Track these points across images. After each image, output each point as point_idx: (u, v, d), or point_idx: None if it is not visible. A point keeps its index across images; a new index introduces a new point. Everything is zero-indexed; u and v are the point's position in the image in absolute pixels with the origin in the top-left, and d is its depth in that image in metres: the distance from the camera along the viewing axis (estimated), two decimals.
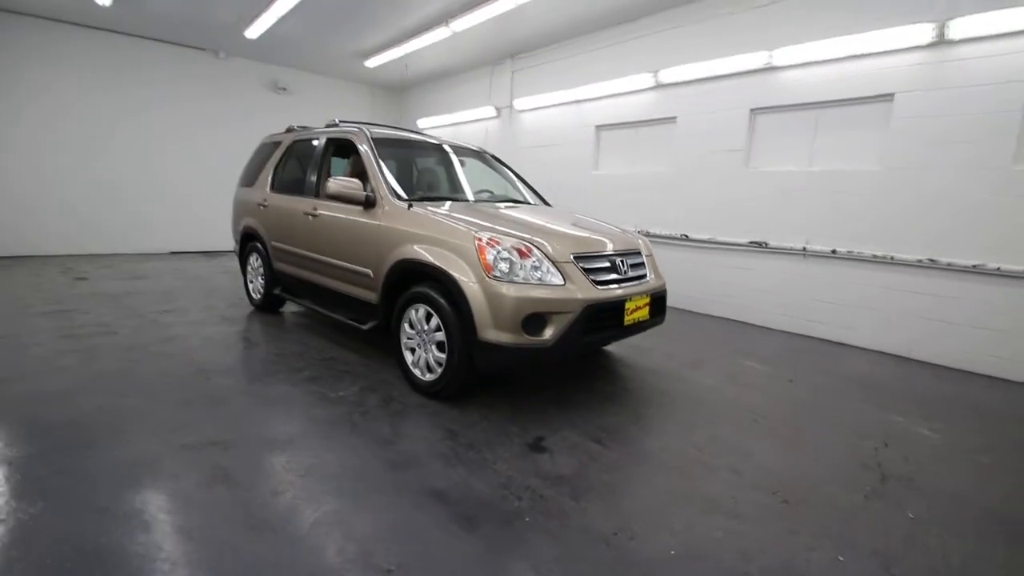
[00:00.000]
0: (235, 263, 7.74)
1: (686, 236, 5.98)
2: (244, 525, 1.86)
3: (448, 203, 3.50)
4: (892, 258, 4.53)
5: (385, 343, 4.12)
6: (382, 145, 3.79)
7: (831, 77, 4.81)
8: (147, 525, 1.83)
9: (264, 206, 4.67)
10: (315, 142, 4.29)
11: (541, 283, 2.74)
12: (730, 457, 2.60)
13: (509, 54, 8.07)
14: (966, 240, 4.15)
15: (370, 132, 3.87)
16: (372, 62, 8.48)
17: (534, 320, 2.69)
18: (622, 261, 3.18)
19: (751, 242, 5.45)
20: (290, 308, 5.19)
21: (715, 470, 2.47)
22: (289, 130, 4.90)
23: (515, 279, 2.72)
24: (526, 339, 2.70)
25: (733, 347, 4.64)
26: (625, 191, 6.65)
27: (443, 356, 2.95)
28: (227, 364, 3.55)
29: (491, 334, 2.70)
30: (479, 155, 4.68)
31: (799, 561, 1.85)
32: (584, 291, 2.80)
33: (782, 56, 5.02)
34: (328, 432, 2.62)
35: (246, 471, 2.22)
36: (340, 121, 4.27)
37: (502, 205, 3.85)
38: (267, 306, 4.94)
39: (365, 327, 3.54)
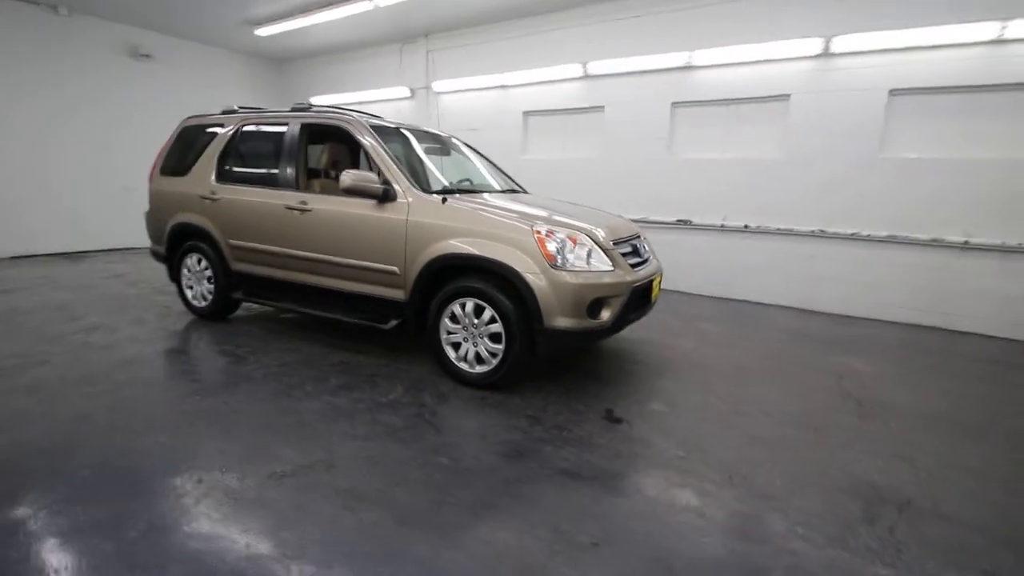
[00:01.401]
0: (117, 266, 6.64)
1: (619, 216, 6.55)
2: (437, 535, 1.84)
3: (453, 195, 3.48)
4: (792, 230, 5.59)
5: (389, 340, 3.99)
6: (381, 134, 3.60)
7: (740, 78, 5.65)
8: (334, 560, 1.72)
9: (212, 200, 4.09)
10: (284, 128, 3.87)
11: (598, 270, 2.96)
12: (754, 404, 3.14)
13: (423, 32, 7.84)
14: (846, 213, 5.30)
15: (367, 120, 3.64)
16: (265, 31, 7.58)
17: (595, 304, 2.92)
18: (639, 244, 3.52)
19: (678, 220, 6.22)
20: (240, 314, 4.64)
21: (752, 416, 2.98)
22: (228, 112, 4.31)
23: (574, 268, 2.90)
24: (589, 323, 2.92)
25: (682, 313, 5.34)
26: (555, 175, 7.02)
27: (498, 347, 3.03)
28: (228, 383, 3.16)
29: (559, 321, 2.87)
30: (446, 141, 4.62)
31: (862, 469, 2.41)
32: (629, 274, 3.09)
33: (700, 57, 5.74)
34: (415, 436, 2.58)
35: (377, 489, 2.13)
36: (313, 105, 3.92)
37: (503, 194, 3.93)
38: (216, 313, 4.36)
39: (387, 326, 3.41)
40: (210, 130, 4.34)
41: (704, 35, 5.70)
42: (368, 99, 8.68)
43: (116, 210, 7.84)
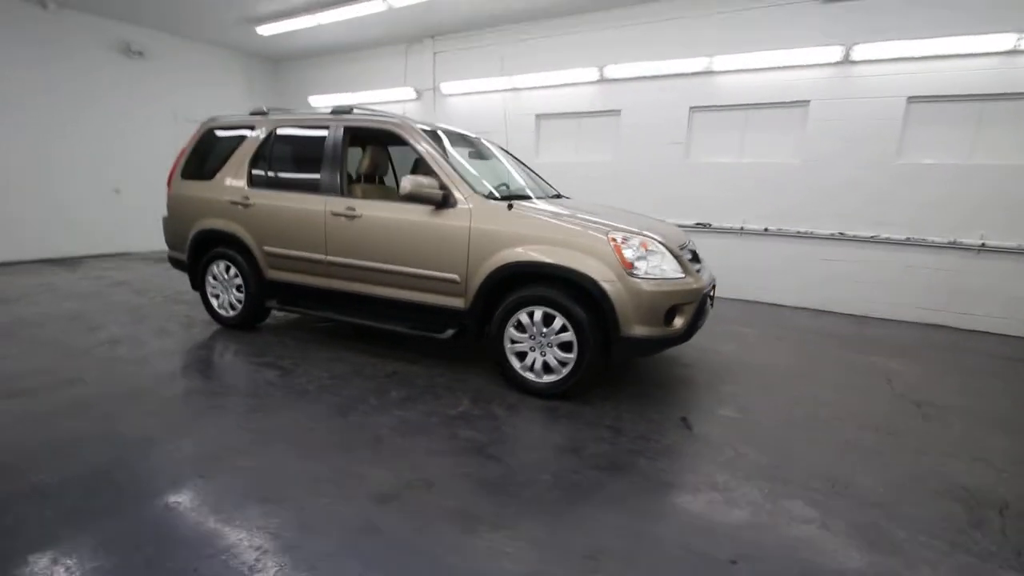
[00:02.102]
0: (116, 273, 6.34)
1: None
2: (577, 560, 1.78)
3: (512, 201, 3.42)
4: (812, 233, 5.70)
5: (436, 350, 3.88)
6: (433, 138, 3.49)
7: (760, 83, 5.74)
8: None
9: (245, 205, 3.91)
10: (325, 132, 3.72)
11: (672, 276, 2.93)
12: (819, 407, 3.16)
13: (430, 33, 7.72)
14: (864, 217, 5.44)
15: (417, 124, 3.54)
16: (267, 29, 7.33)
17: (671, 312, 2.89)
18: (695, 250, 3.52)
19: (697, 223, 6.27)
20: (267, 323, 4.45)
21: (824, 420, 2.99)
22: (258, 113, 4.13)
23: (649, 275, 2.87)
24: (665, 330, 2.89)
25: (711, 316, 5.37)
26: (570, 179, 6.93)
27: (569, 356, 2.97)
28: (285, 398, 3.00)
29: (636, 329, 2.83)
30: (481, 144, 4.53)
31: (948, 472, 2.44)
32: (697, 280, 3.08)
33: (720, 62, 5.80)
34: (504, 451, 2.50)
35: (491, 510, 2.05)
36: (355, 108, 3.78)
37: (550, 200, 3.87)
38: (245, 323, 4.17)
39: (443, 336, 3.32)
40: (237, 133, 4.15)
41: (725, 41, 5.77)
42: (371, 100, 8.49)
43: (108, 214, 7.48)
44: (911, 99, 5.11)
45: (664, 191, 6.41)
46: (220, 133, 4.27)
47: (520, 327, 3.08)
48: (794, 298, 5.91)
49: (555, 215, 3.11)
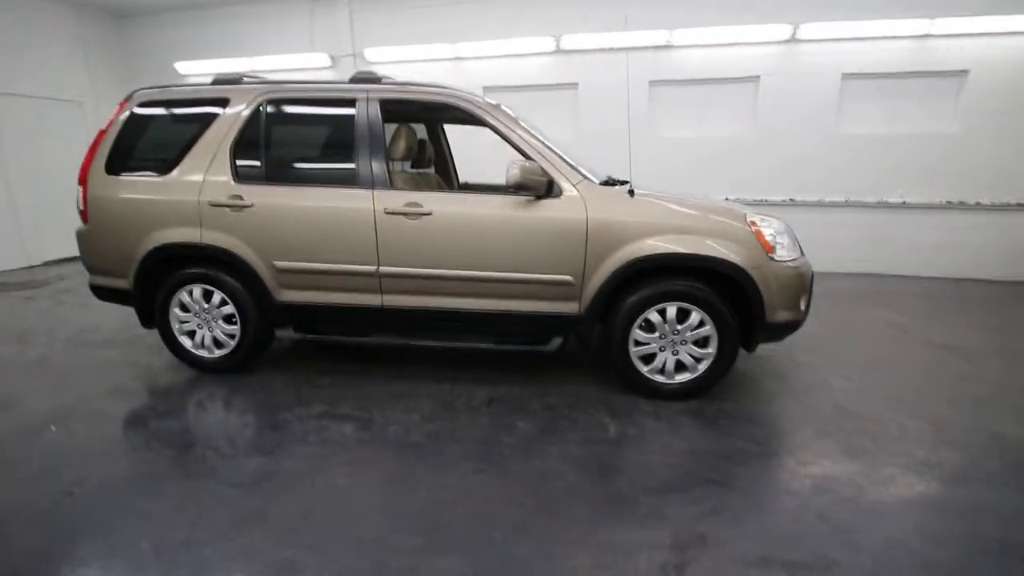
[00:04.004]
0: None
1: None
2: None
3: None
4: (766, 200, 6.17)
5: (507, 362, 3.33)
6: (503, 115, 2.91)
7: (716, 58, 5.95)
8: None
9: (238, 207, 2.89)
10: (351, 108, 2.87)
11: (799, 258, 2.85)
12: (893, 366, 3.39)
13: None
14: (811, 183, 6.03)
15: (483, 100, 2.91)
16: None
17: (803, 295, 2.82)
18: None
19: None
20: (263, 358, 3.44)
21: (909, 375, 3.23)
22: (226, 81, 3.06)
23: (783, 258, 2.75)
24: (799, 314, 2.82)
25: None
26: None
27: (706, 351, 2.75)
28: (399, 459, 2.32)
29: (779, 315, 2.71)
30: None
31: (982, 395, 2.79)
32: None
33: (679, 36, 5.87)
34: (721, 473, 2.21)
35: (788, 546, 1.77)
36: (384, 77, 2.98)
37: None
38: (238, 363, 3.16)
39: (549, 348, 2.86)
40: (195, 110, 3.05)
41: (683, 15, 5.83)
42: (267, 67, 7.01)
43: None
44: (845, 75, 5.72)
45: (625, 165, 6.38)
46: (163, 111, 3.09)
47: (648, 326, 2.76)
48: None
49: (676, 200, 2.82)
